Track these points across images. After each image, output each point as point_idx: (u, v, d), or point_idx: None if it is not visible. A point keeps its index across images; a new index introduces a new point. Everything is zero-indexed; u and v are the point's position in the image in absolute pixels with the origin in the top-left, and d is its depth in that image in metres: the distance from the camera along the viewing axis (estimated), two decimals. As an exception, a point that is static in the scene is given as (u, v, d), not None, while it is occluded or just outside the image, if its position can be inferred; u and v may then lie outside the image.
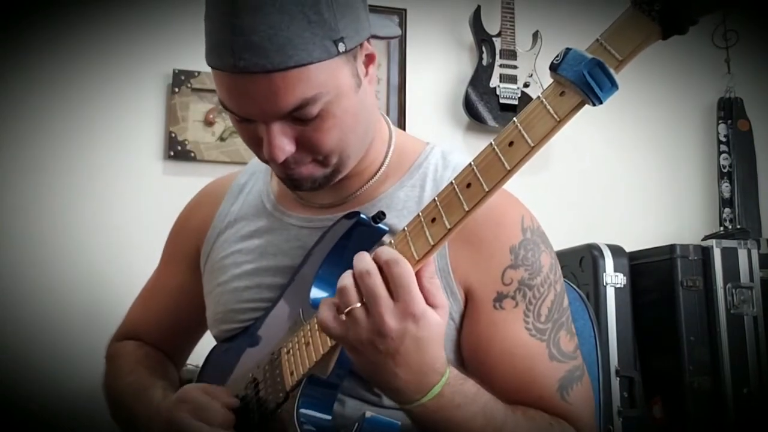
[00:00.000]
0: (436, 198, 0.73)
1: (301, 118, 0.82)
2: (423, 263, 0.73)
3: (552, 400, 0.87)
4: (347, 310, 0.71)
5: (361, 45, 0.86)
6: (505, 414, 0.82)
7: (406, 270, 0.70)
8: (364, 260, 0.72)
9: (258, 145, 0.87)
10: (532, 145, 0.66)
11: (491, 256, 0.89)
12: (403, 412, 0.77)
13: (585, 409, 0.90)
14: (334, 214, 0.94)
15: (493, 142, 0.70)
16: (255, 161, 1.13)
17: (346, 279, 0.73)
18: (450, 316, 0.90)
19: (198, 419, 0.84)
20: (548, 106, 0.66)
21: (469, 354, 0.91)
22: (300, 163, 0.87)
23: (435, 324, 0.72)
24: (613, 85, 0.63)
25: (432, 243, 0.72)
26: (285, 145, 0.83)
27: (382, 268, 0.71)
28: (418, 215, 0.75)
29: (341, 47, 0.81)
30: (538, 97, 0.67)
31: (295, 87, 0.79)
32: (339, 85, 0.83)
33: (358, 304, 0.71)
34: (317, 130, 0.84)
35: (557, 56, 0.65)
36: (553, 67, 0.65)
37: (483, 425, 0.78)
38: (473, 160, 0.71)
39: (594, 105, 0.64)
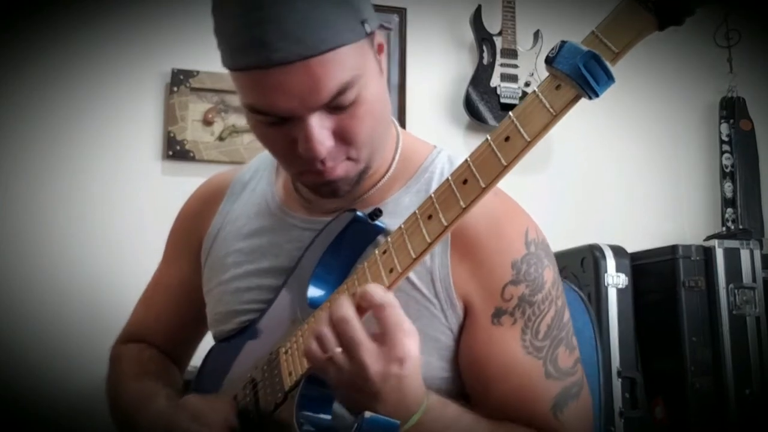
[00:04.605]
0: (432, 195, 0.73)
1: (338, 105, 0.80)
2: (419, 261, 0.72)
3: (545, 418, 0.86)
4: (327, 356, 0.72)
5: (374, 32, 0.85)
6: None
7: (393, 313, 0.70)
8: (342, 307, 0.72)
9: (290, 150, 0.83)
10: (529, 139, 0.66)
11: (492, 271, 0.87)
12: None
13: (578, 427, 0.89)
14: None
15: (489, 138, 0.69)
16: (262, 155, 1.11)
17: (323, 327, 0.73)
18: (449, 328, 0.89)
19: (197, 424, 0.85)
20: (544, 100, 0.65)
21: (465, 368, 0.90)
22: (336, 162, 0.84)
23: (416, 359, 0.72)
24: (609, 78, 0.63)
25: (429, 240, 0.71)
26: (325, 139, 0.80)
27: (369, 311, 0.71)
28: (415, 212, 0.74)
29: (367, 28, 0.80)
30: (534, 91, 0.67)
31: (334, 71, 0.77)
32: (368, 68, 0.82)
33: (339, 350, 0.71)
34: (353, 117, 0.81)
35: (552, 49, 0.64)
36: (549, 61, 0.64)
37: None
38: (469, 156, 0.71)
39: (590, 98, 0.64)
